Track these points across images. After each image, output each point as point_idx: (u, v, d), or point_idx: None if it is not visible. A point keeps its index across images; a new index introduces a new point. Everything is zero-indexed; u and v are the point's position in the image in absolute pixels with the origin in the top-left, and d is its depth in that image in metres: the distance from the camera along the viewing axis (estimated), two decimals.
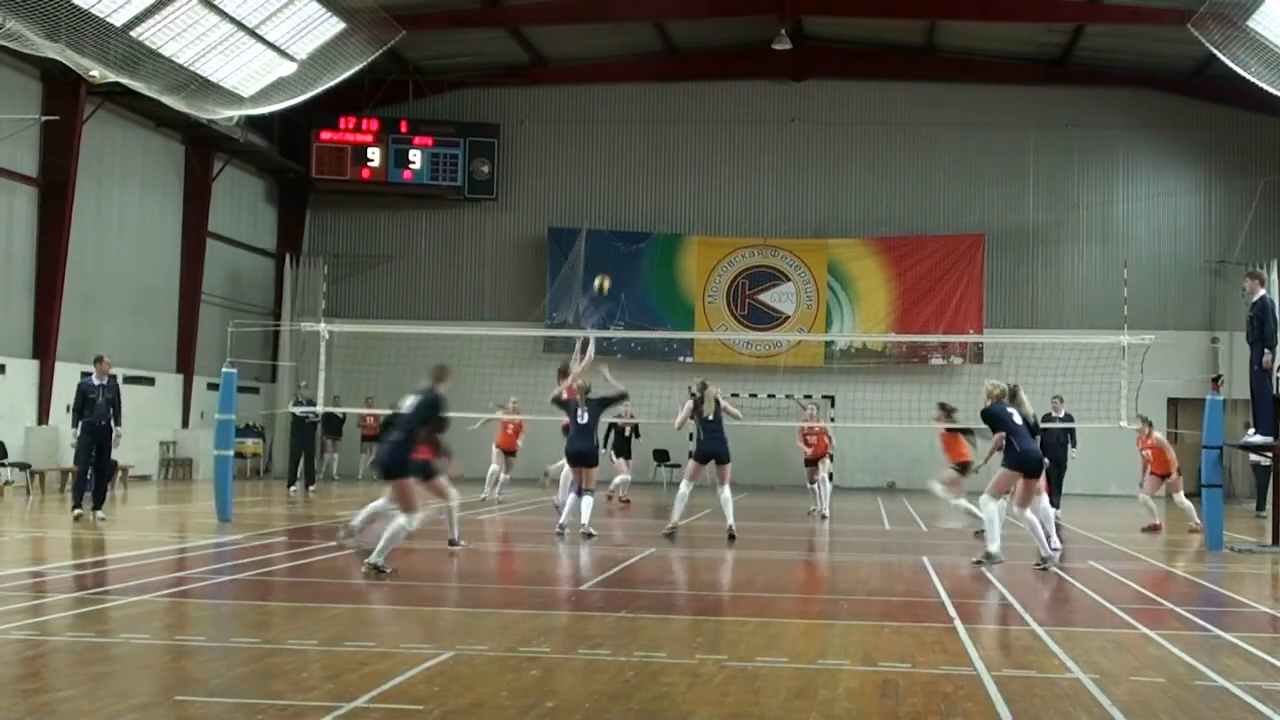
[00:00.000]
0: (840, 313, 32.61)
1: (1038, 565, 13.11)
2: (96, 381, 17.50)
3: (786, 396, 29.42)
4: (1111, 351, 19.01)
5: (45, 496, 21.56)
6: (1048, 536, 13.52)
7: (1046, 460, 14.50)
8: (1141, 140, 32.60)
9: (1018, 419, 13.12)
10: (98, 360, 17.77)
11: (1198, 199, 32.50)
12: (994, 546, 13.12)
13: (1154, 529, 18.48)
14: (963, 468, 16.67)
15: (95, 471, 17.59)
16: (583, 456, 15.84)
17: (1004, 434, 13.11)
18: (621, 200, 33.51)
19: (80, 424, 17.42)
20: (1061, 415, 20.94)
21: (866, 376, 30.10)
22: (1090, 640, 9.07)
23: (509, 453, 23.12)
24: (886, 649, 8.46)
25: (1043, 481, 20.74)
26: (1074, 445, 20.85)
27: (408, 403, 11.69)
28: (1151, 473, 19.32)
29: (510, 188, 33.49)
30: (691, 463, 16.42)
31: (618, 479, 23.17)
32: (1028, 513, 13.18)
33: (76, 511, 17.07)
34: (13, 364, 23.76)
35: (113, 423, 17.51)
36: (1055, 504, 20.51)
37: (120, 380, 18.95)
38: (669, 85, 33.42)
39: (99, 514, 17.15)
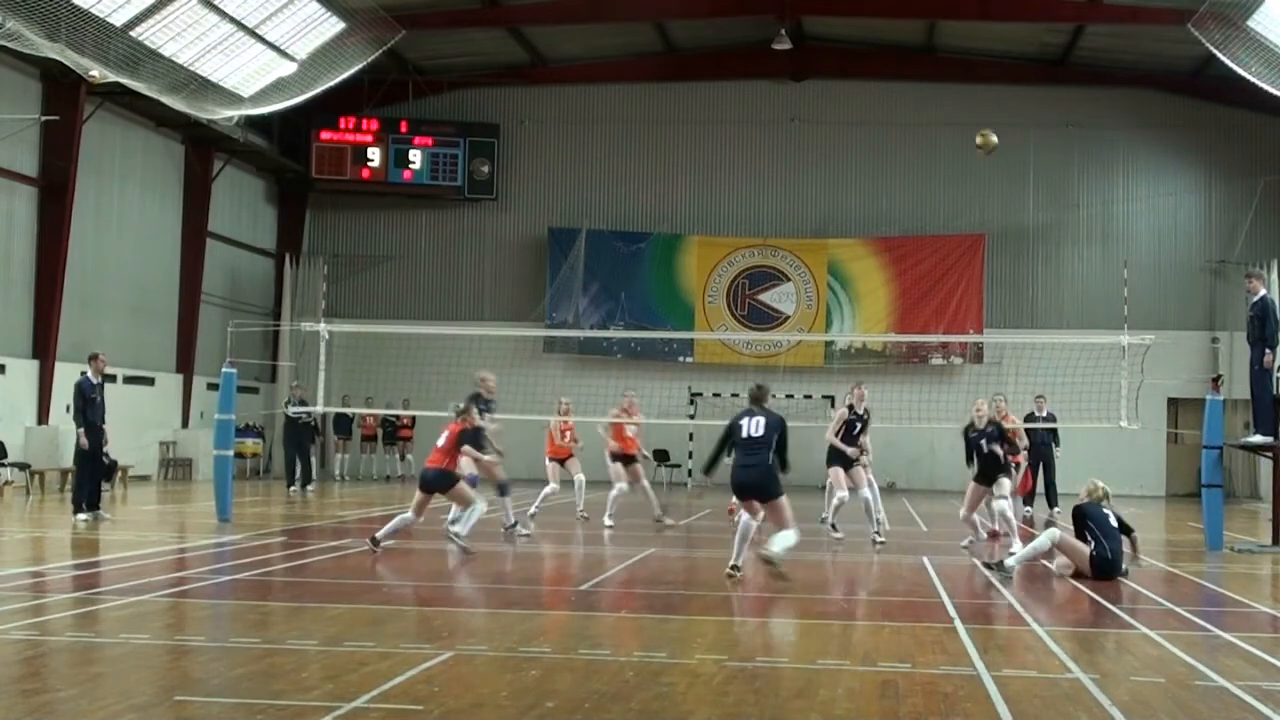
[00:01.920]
0: (840, 313, 32.58)
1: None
2: (95, 380, 17.41)
3: (787, 396, 29.39)
4: (1111, 351, 18.97)
5: (45, 496, 21.54)
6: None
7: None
8: (1141, 140, 32.58)
9: (1113, 520, 12.52)
10: (94, 357, 17.65)
11: (1198, 199, 32.48)
12: (1011, 561, 12.73)
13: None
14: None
15: (93, 473, 17.49)
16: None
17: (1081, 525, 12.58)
18: (621, 200, 33.49)
19: (85, 425, 17.21)
20: (1044, 415, 20.92)
21: (866, 377, 29.95)
22: (1090, 640, 9.07)
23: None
24: (886, 649, 8.46)
25: (1035, 483, 20.72)
26: (1057, 445, 20.80)
27: (754, 425, 11.61)
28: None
29: (510, 188, 33.47)
30: (838, 470, 15.98)
31: None
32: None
33: (83, 516, 16.82)
34: (13, 364, 23.74)
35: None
36: (1053, 503, 20.57)
37: (120, 380, 18.87)
38: (669, 85, 33.40)
39: (100, 512, 17.14)
